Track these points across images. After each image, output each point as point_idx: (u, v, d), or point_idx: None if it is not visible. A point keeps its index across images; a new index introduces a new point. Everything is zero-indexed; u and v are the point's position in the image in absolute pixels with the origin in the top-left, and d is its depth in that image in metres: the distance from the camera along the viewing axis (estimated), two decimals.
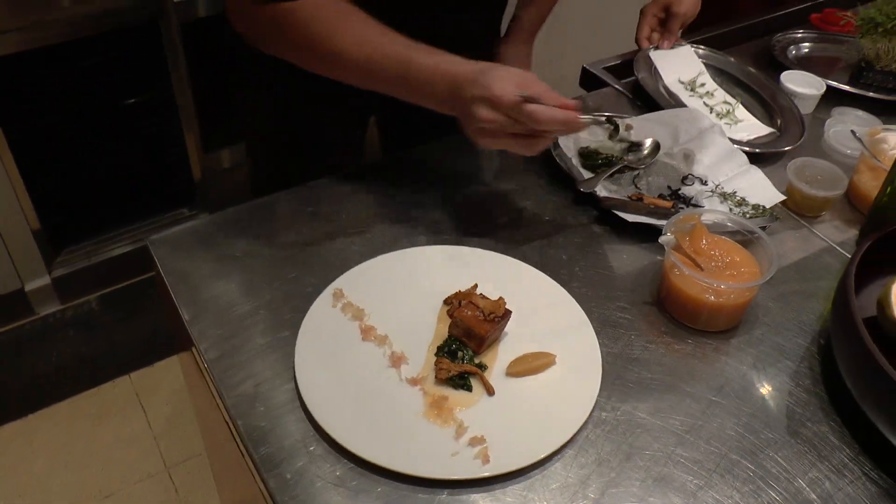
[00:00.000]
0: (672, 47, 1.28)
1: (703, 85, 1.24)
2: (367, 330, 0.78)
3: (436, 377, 0.74)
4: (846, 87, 1.24)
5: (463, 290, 0.82)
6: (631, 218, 0.94)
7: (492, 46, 1.26)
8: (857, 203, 1.02)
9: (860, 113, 1.18)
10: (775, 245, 0.84)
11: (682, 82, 1.25)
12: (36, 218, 1.85)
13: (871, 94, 1.23)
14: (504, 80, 0.80)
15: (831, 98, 1.22)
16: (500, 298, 0.78)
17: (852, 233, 0.99)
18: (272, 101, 1.16)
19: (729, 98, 1.22)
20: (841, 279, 0.78)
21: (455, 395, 0.74)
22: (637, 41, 1.31)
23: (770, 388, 0.78)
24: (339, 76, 0.89)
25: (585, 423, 0.73)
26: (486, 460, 0.68)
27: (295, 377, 0.74)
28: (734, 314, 0.83)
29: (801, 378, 0.80)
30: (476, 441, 0.69)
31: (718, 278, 0.82)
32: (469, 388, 0.74)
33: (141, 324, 1.98)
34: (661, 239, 0.82)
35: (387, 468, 0.67)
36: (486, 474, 0.67)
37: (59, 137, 1.82)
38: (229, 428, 0.74)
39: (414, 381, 0.74)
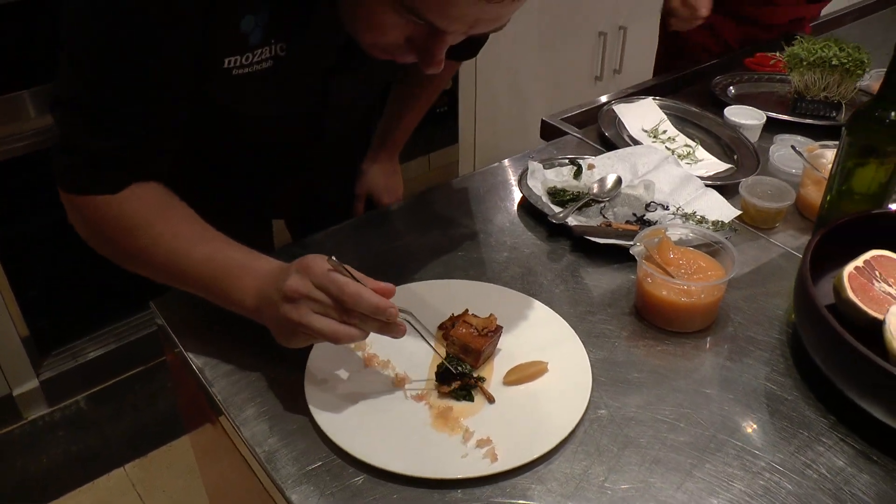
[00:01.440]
0: (634, 101, 1.39)
1: (664, 132, 1.35)
2: (369, 358, 0.84)
3: (438, 392, 0.79)
4: (784, 117, 1.36)
5: (455, 315, 0.88)
6: (602, 241, 1.02)
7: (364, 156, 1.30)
8: (806, 212, 1.12)
9: (799, 138, 1.29)
10: (737, 253, 0.91)
11: (646, 130, 1.35)
12: (24, 324, 1.87)
13: (807, 121, 1.35)
14: (318, 257, 0.75)
15: (772, 128, 1.34)
16: (491, 315, 0.84)
17: (804, 238, 1.08)
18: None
19: (689, 141, 1.32)
20: (799, 270, 0.85)
21: (459, 406, 0.79)
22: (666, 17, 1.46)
23: (748, 375, 0.84)
24: (150, 275, 0.84)
25: (581, 420, 0.78)
26: (494, 459, 0.72)
27: (307, 400, 0.78)
28: (707, 314, 0.90)
29: (774, 364, 0.86)
30: (483, 443, 0.74)
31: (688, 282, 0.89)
32: (471, 399, 0.79)
33: (131, 418, 1.98)
34: (633, 250, 0.90)
35: (403, 474, 0.71)
36: (496, 471, 0.71)
37: (42, 243, 1.87)
38: (260, 478, 0.77)
39: (419, 397, 0.79)
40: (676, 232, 0.96)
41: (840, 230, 0.91)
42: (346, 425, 0.75)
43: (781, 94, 1.48)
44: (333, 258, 0.73)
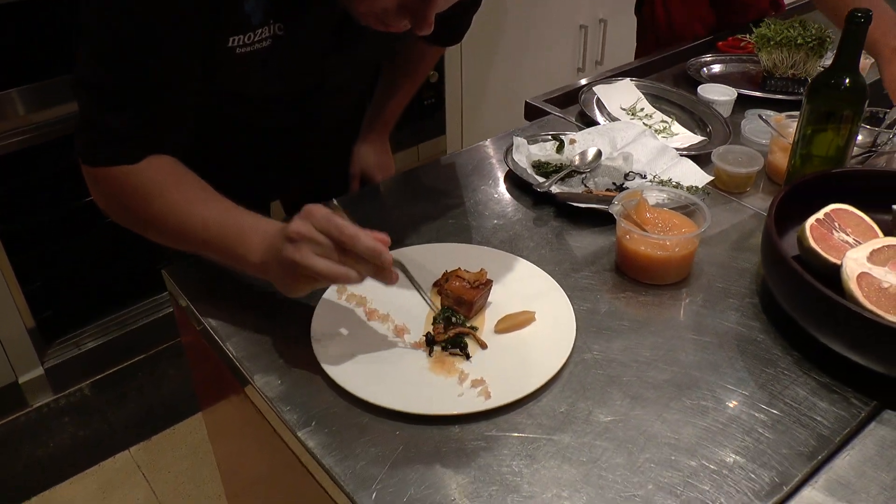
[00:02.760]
0: (612, 82, 1.47)
1: (642, 109, 1.42)
2: (370, 312, 0.90)
3: (435, 339, 0.86)
4: (754, 93, 1.44)
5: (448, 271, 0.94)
6: (584, 205, 1.09)
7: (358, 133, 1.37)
8: (774, 177, 1.19)
9: (769, 112, 1.37)
10: (709, 210, 0.98)
11: (624, 108, 1.42)
12: (30, 314, 1.93)
13: (776, 97, 1.43)
14: (320, 205, 0.79)
15: (743, 104, 1.41)
16: (482, 269, 0.91)
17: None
18: None
19: (665, 117, 1.39)
20: (765, 223, 0.92)
21: (454, 355, 0.85)
22: None
23: (720, 320, 0.92)
24: (166, 242, 0.90)
25: (567, 362, 0.84)
26: (487, 396, 0.79)
27: (314, 354, 0.85)
28: (682, 266, 0.97)
29: (745, 310, 0.93)
30: (477, 383, 0.80)
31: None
32: (465, 348, 0.85)
33: (134, 403, 2.03)
34: (612, 209, 0.97)
35: (404, 412, 0.78)
36: (489, 406, 0.78)
37: (46, 236, 1.92)
38: (271, 422, 0.84)
39: (417, 345, 0.86)
40: (653, 196, 1.03)
41: (802, 188, 0.98)
42: (352, 372, 0.82)
43: (752, 73, 1.56)
44: (335, 202, 0.79)
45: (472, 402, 0.79)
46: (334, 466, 0.74)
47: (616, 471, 0.73)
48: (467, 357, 0.84)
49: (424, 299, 0.90)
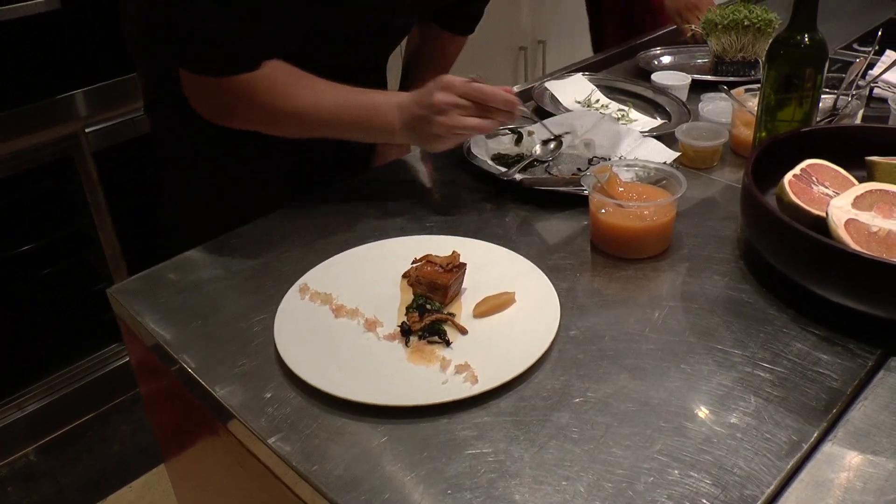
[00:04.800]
0: (564, 78, 1.44)
1: (597, 101, 1.40)
2: (337, 309, 0.83)
3: (411, 329, 0.79)
4: (707, 77, 1.43)
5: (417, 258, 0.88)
6: (553, 188, 1.04)
7: None
8: (739, 150, 1.17)
9: (724, 95, 1.35)
10: (682, 175, 0.94)
11: (579, 101, 1.39)
12: None
13: (729, 79, 1.42)
14: (453, 77, 0.96)
15: (696, 91, 1.40)
16: (454, 252, 0.85)
17: (742, 173, 1.12)
18: (204, 176, 1.21)
19: (622, 106, 1.37)
20: (742, 183, 0.89)
21: (432, 343, 0.78)
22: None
23: (708, 287, 0.87)
24: (303, 132, 1.01)
25: (555, 340, 0.78)
26: (475, 381, 0.72)
27: (279, 355, 0.77)
28: (661, 236, 0.92)
29: (731, 275, 0.89)
30: (462, 368, 0.74)
31: None
32: (444, 335, 0.78)
33: (86, 464, 1.89)
34: (584, 180, 0.92)
35: (384, 405, 0.70)
36: (479, 391, 0.71)
37: None
38: (236, 434, 0.75)
39: (392, 337, 0.79)
40: (622, 174, 0.99)
41: (775, 147, 0.95)
42: (323, 371, 0.74)
43: (703, 62, 1.56)
44: (473, 74, 0.97)
45: (459, 389, 0.72)
46: (313, 473, 0.66)
47: (623, 445, 0.67)
48: (447, 344, 0.78)
49: (546, 128, 1.11)
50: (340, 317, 0.82)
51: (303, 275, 0.89)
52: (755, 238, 0.87)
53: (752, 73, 1.45)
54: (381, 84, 1.33)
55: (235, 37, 0.92)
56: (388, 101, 0.99)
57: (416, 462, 0.66)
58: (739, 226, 0.98)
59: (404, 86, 1.37)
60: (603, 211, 0.92)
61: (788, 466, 0.64)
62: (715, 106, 1.29)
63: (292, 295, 0.85)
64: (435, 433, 0.69)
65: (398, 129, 0.99)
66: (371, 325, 0.80)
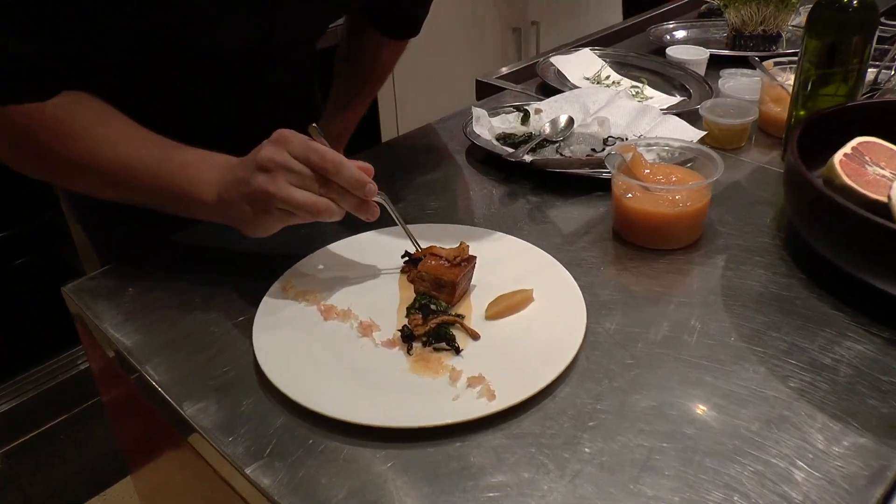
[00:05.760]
0: (570, 53, 1.33)
1: (607, 77, 1.28)
2: (326, 310, 0.71)
3: (413, 333, 0.67)
4: (725, 52, 1.32)
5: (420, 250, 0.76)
6: (568, 171, 0.93)
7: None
8: (769, 129, 1.06)
9: (745, 70, 1.25)
10: (717, 155, 0.83)
11: (587, 78, 1.28)
12: None
13: (748, 54, 1.31)
14: (294, 133, 0.69)
15: (713, 66, 1.29)
16: (462, 243, 0.73)
17: (774, 154, 1.02)
18: None
19: (635, 83, 1.26)
20: (786, 161, 0.78)
21: (439, 351, 0.67)
22: None
23: (750, 282, 0.76)
24: (93, 190, 0.77)
25: (581, 345, 0.67)
26: (491, 396, 0.61)
27: (259, 367, 0.65)
28: (695, 224, 0.81)
29: (775, 268, 0.78)
30: (475, 381, 0.62)
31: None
32: (452, 341, 0.67)
33: (57, 471, 1.77)
34: (608, 160, 0.81)
35: (385, 427, 0.59)
36: (496, 409, 0.60)
37: None
38: (211, 463, 0.64)
39: (391, 343, 0.68)
40: (647, 143, 0.88)
41: (818, 124, 0.84)
42: (311, 385, 0.63)
43: (718, 39, 1.44)
44: (315, 125, 0.70)
45: (473, 406, 0.60)
46: None
47: (668, 474, 0.56)
48: (457, 351, 0.66)
49: (411, 239, 0.76)
50: (330, 319, 0.71)
51: (286, 270, 0.77)
52: (803, 225, 0.77)
53: (773, 47, 1.34)
54: (306, 109, 1.11)
55: (19, 57, 0.69)
56: (204, 161, 0.72)
57: (422, 496, 0.55)
58: (778, 211, 0.87)
59: (333, 100, 1.16)
60: (629, 195, 0.81)
61: (874, 500, 0.54)
62: (737, 82, 1.19)
63: (274, 294, 0.74)
64: (445, 460, 0.58)
65: (209, 199, 0.71)
66: (366, 330, 0.69)
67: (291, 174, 0.66)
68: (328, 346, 0.67)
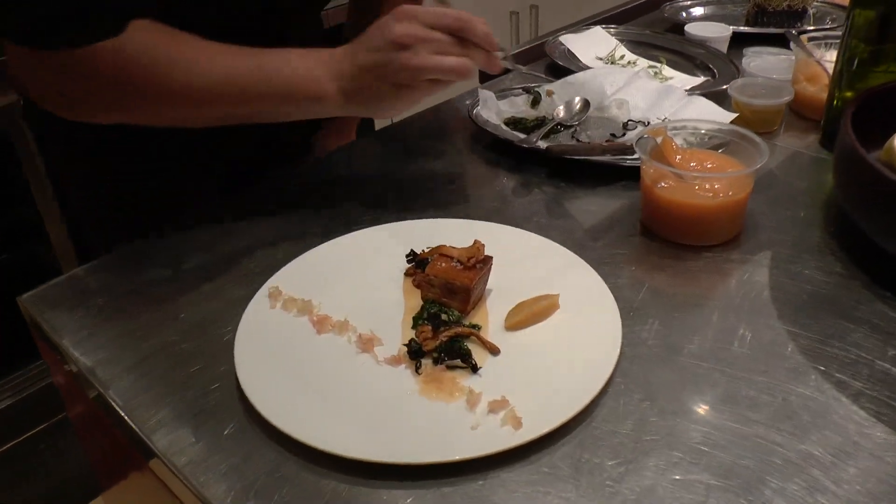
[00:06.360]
0: (581, 31, 1.23)
1: (622, 56, 1.18)
2: (321, 321, 0.62)
3: (423, 349, 0.58)
4: (747, 29, 1.22)
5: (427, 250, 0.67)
6: (587, 157, 0.84)
7: None
8: (804, 111, 0.97)
9: (771, 49, 1.15)
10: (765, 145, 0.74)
11: (600, 58, 1.18)
12: None
13: (770, 30, 1.21)
14: (414, 6, 0.70)
15: (734, 44, 1.19)
16: (477, 241, 0.64)
17: (811, 138, 0.92)
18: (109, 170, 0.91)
19: (653, 62, 1.16)
20: (839, 141, 0.69)
21: (453, 369, 0.58)
22: None
23: (802, 283, 0.67)
24: (195, 119, 0.73)
25: (617, 361, 0.58)
26: (517, 424, 0.52)
27: (242, 389, 0.56)
28: (734, 217, 0.72)
29: (830, 266, 0.69)
30: (497, 405, 0.53)
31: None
32: (468, 357, 0.58)
33: (38, 482, 1.67)
34: (639, 144, 0.72)
35: (392, 464, 0.50)
36: (524, 440, 0.51)
37: None
38: None
39: (396, 361, 0.58)
40: (678, 125, 0.79)
41: (871, 103, 0.75)
42: (304, 412, 0.53)
43: (737, 12, 1.35)
44: None
45: (497, 437, 0.51)
46: None
47: None
48: (474, 369, 0.57)
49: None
50: (324, 332, 0.61)
51: (273, 274, 0.67)
52: (861, 215, 0.68)
53: (799, 24, 1.24)
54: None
55: None
56: (312, 56, 0.71)
57: None
58: (824, 201, 0.78)
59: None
60: (662, 185, 0.71)
61: None
62: (763, 61, 1.09)
63: (259, 302, 0.64)
64: (464, 502, 0.49)
65: (332, 91, 0.70)
66: (367, 344, 0.59)
67: (432, 43, 0.68)
68: (322, 363, 0.58)
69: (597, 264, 0.68)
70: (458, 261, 0.62)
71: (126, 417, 0.57)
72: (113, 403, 0.58)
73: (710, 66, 1.11)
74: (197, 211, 0.80)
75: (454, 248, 0.64)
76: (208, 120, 0.73)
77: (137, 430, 0.56)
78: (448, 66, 0.68)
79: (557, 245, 0.70)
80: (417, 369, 0.57)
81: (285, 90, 0.70)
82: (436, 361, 0.57)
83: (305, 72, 0.70)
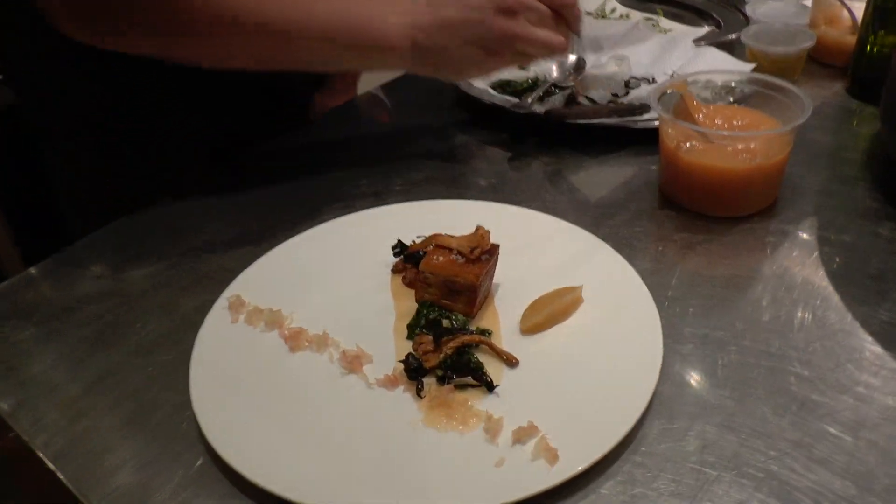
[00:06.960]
0: None
1: (613, 10, 1.07)
2: (294, 336, 0.50)
3: (423, 365, 0.47)
4: None
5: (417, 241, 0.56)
6: (597, 121, 0.73)
7: None
8: (826, 57, 0.87)
9: None
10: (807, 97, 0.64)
11: (590, 13, 1.07)
12: None
13: None
14: None
15: None
16: (480, 228, 0.53)
17: (837, 86, 0.83)
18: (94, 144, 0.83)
19: (648, 14, 1.05)
20: (887, 81, 0.59)
21: (463, 388, 0.47)
22: None
23: (859, 254, 0.57)
24: (278, 56, 0.64)
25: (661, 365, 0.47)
26: (552, 457, 0.41)
27: (202, 430, 0.44)
28: (772, 182, 0.62)
29: (890, 231, 0.59)
30: (524, 433, 0.42)
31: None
32: (481, 372, 0.47)
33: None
34: (661, 99, 0.61)
35: None
36: (565, 478, 0.40)
37: None
38: None
39: (391, 381, 0.47)
40: (699, 78, 0.68)
41: None
42: (281, 459, 0.42)
43: None
44: None
45: (527, 475, 0.40)
46: None
47: None
48: (489, 388, 0.46)
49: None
50: (299, 349, 0.50)
51: (232, 280, 0.56)
52: None
53: None
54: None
55: None
56: (388, 5, 0.64)
57: None
58: (865, 156, 0.68)
59: None
60: (687, 146, 0.61)
61: None
62: (769, 7, 0.98)
63: (217, 316, 0.52)
64: None
65: (403, 43, 0.63)
66: (353, 363, 0.48)
67: (534, 13, 0.64)
68: (299, 390, 0.47)
69: (616, 246, 0.58)
70: (459, 252, 0.50)
71: (57, 472, 0.45)
72: (43, 457, 0.46)
73: (714, 15, 1.00)
74: (138, 205, 0.68)
75: (451, 236, 0.53)
76: (271, 63, 0.64)
77: (70, 486, 0.44)
78: (543, 39, 0.64)
79: (571, 225, 0.59)
80: (419, 392, 0.46)
81: (351, 34, 0.62)
82: (441, 380, 0.46)
83: (378, 15, 0.63)
